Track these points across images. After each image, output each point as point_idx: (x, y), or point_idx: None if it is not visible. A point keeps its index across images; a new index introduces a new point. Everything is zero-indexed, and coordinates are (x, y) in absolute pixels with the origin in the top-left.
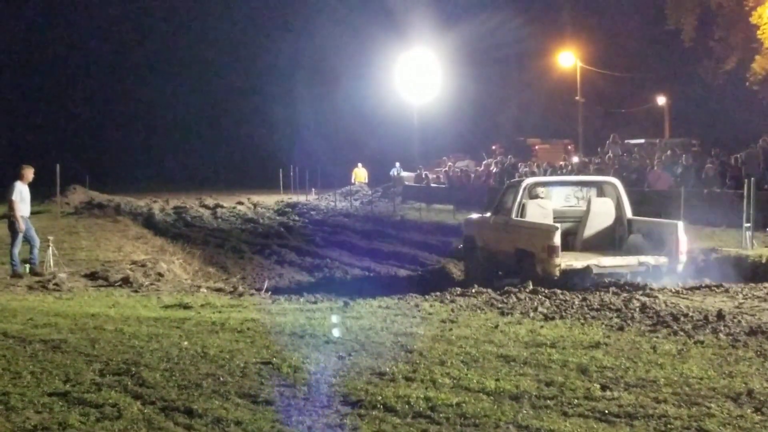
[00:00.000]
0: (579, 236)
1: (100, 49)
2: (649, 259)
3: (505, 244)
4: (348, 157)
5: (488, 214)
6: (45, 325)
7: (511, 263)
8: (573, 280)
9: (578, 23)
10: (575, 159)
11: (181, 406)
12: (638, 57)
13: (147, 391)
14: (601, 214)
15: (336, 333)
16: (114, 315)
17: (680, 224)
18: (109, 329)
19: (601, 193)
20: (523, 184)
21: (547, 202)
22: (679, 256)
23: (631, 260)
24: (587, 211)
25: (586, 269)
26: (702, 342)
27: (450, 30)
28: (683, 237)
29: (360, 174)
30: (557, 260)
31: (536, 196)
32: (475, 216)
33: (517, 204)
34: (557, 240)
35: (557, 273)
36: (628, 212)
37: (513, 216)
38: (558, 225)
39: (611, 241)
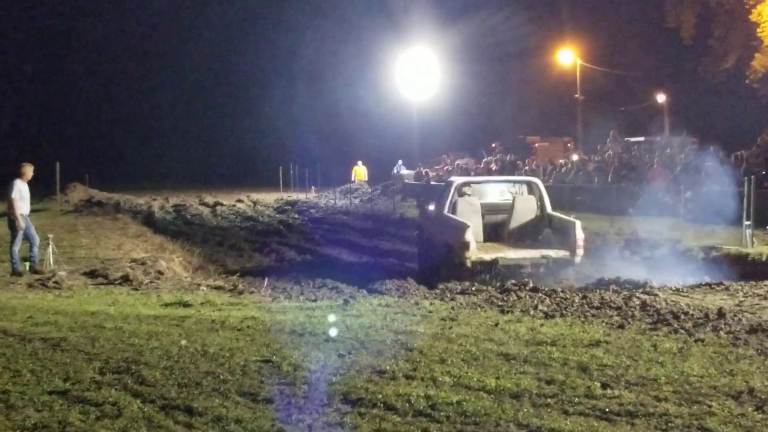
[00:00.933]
0: (506, 228)
1: (99, 47)
2: (551, 253)
3: (438, 236)
4: (347, 155)
5: (431, 208)
6: (45, 323)
7: (443, 254)
8: (482, 270)
9: (578, 21)
10: (575, 157)
11: (181, 404)
12: (638, 55)
13: (147, 390)
14: (525, 210)
15: (333, 332)
16: (114, 313)
17: (578, 223)
18: (109, 327)
19: (525, 191)
20: (454, 184)
21: (475, 199)
22: (576, 250)
23: (534, 253)
24: (512, 207)
25: (494, 261)
26: (703, 340)
27: (450, 28)
28: (580, 234)
29: (360, 172)
30: (468, 253)
31: (464, 194)
32: (427, 208)
33: (448, 201)
34: (469, 236)
35: (469, 264)
36: (548, 208)
37: (444, 211)
38: (469, 223)
39: (533, 233)
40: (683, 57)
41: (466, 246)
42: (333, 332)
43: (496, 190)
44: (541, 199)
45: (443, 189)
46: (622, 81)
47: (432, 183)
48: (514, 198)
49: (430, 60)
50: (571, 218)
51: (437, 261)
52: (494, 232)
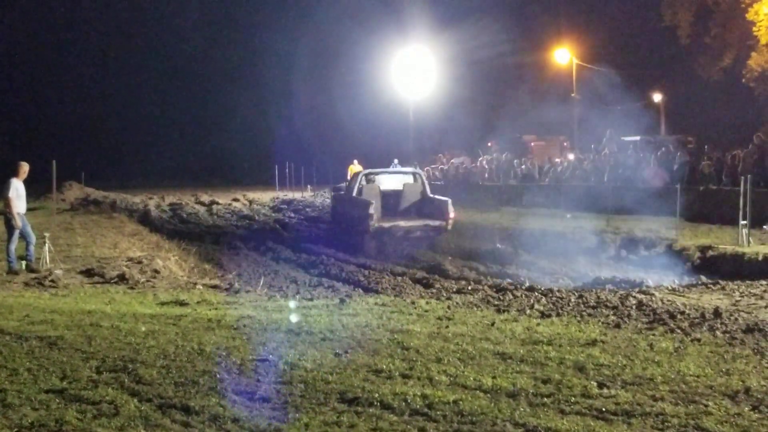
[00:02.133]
0: (402, 206)
1: (95, 46)
2: (431, 222)
3: (349, 211)
4: (343, 154)
5: (342, 192)
6: (41, 321)
7: (350, 223)
8: (383, 234)
9: (574, 20)
10: (570, 156)
11: (178, 403)
12: (634, 54)
13: (144, 388)
14: (412, 193)
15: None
16: (110, 312)
17: (449, 201)
18: (106, 326)
19: (412, 180)
20: (361, 174)
21: (376, 186)
22: (448, 221)
23: (419, 222)
24: (403, 191)
25: (391, 228)
26: (699, 340)
27: (446, 26)
28: (451, 210)
29: (356, 170)
30: (371, 222)
31: (371, 181)
32: (339, 193)
33: (356, 186)
34: (371, 210)
35: (371, 230)
36: (428, 192)
37: (353, 194)
38: (372, 201)
39: (417, 209)
40: (680, 56)
41: (370, 217)
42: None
43: (392, 179)
44: (423, 186)
45: (354, 177)
46: (619, 80)
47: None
48: (404, 185)
49: (426, 58)
50: (444, 198)
51: (348, 229)
52: (391, 209)
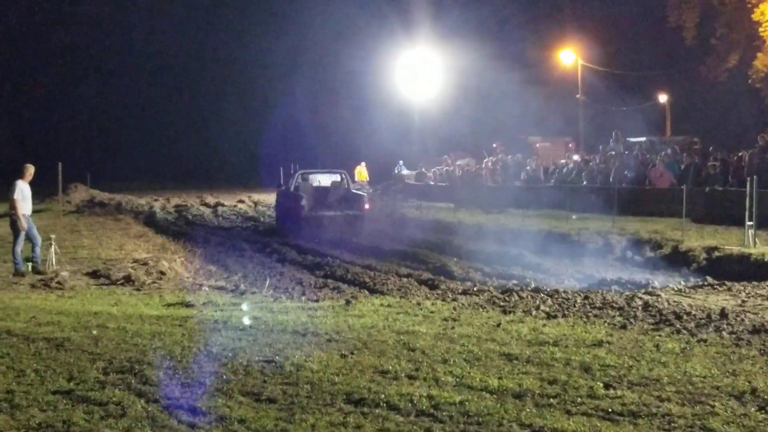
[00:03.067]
0: (329, 199)
1: (101, 48)
2: (350, 212)
3: (287, 204)
4: (348, 156)
5: (283, 188)
6: (48, 323)
7: (288, 213)
8: (312, 221)
9: (579, 21)
10: (575, 157)
11: (185, 404)
12: (639, 55)
13: (150, 389)
14: (338, 188)
15: (246, 321)
16: (116, 313)
17: (365, 195)
18: (112, 327)
19: (339, 178)
20: (297, 173)
21: (309, 183)
22: (364, 212)
23: (341, 213)
24: (330, 187)
25: (318, 216)
26: (705, 340)
27: (451, 27)
28: (365, 203)
29: (363, 173)
30: (303, 212)
31: (305, 180)
32: (281, 189)
33: (294, 183)
34: (304, 202)
35: (303, 217)
36: (351, 188)
37: (291, 189)
38: (304, 195)
39: (341, 202)
40: (685, 57)
41: (302, 208)
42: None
43: (323, 178)
44: (347, 183)
45: (292, 176)
46: (624, 81)
47: (431, 183)
48: (332, 182)
49: (431, 60)
50: (361, 193)
51: (287, 218)
52: (320, 202)
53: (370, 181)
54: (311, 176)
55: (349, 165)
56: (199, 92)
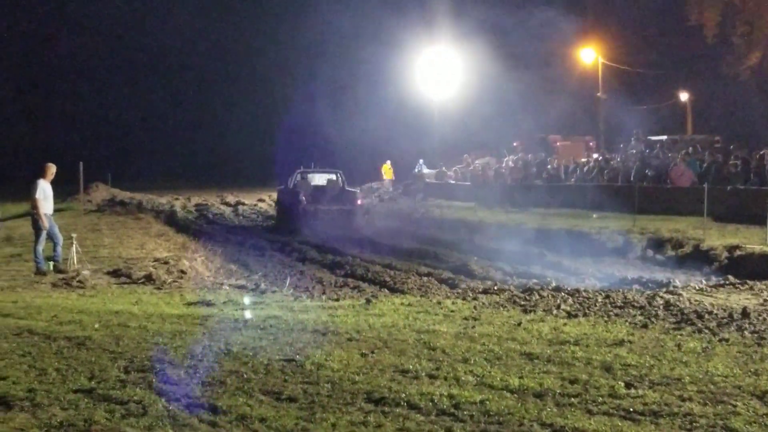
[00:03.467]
0: (325, 196)
1: (121, 49)
2: (344, 207)
3: (287, 200)
4: (367, 154)
5: (283, 186)
6: (69, 322)
7: (289, 207)
8: (310, 214)
9: (600, 19)
10: (596, 155)
11: (206, 402)
12: (660, 53)
13: (171, 388)
14: (334, 186)
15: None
16: (137, 312)
17: (358, 192)
18: (133, 326)
19: (335, 177)
20: (296, 172)
21: (308, 181)
22: (356, 207)
23: (335, 207)
24: (328, 185)
25: (315, 210)
26: (727, 340)
27: (470, 26)
28: (358, 198)
29: (389, 171)
30: (301, 206)
31: (304, 178)
32: (282, 187)
33: (293, 181)
34: (302, 197)
35: (301, 211)
36: (345, 186)
37: (290, 187)
38: (302, 192)
39: (336, 198)
40: (706, 55)
41: (300, 202)
42: (354, 331)
43: (320, 177)
44: (342, 182)
45: (292, 175)
46: (644, 79)
47: (451, 182)
48: (327, 180)
49: (451, 58)
50: (354, 190)
51: (287, 212)
52: (318, 198)
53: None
54: (309, 175)
55: (366, 163)
56: (218, 92)
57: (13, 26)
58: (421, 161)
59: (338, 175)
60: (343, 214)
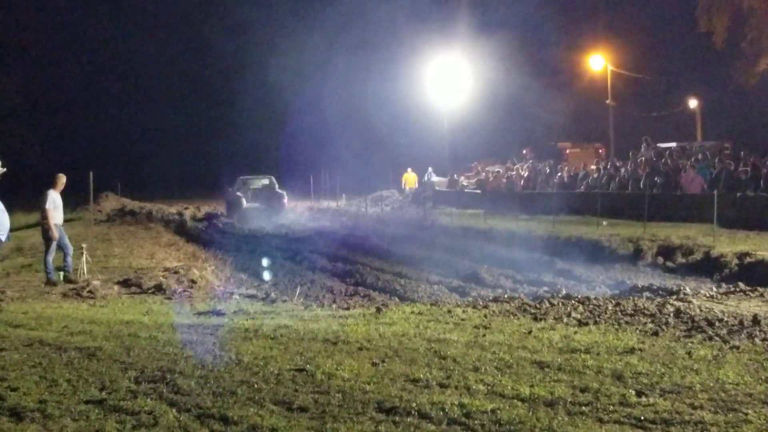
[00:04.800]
0: (261, 196)
1: (129, 59)
2: (274, 205)
3: (232, 200)
4: (378, 163)
5: (230, 189)
6: (80, 332)
7: (232, 206)
8: (248, 211)
9: (609, 27)
10: (605, 163)
11: (217, 413)
12: (669, 60)
13: (182, 399)
14: (268, 189)
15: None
16: (148, 322)
17: (284, 194)
18: (144, 336)
19: (269, 181)
20: (238, 179)
21: (248, 186)
22: (283, 206)
23: (266, 205)
24: (263, 189)
25: (251, 207)
26: (738, 347)
27: (480, 35)
28: (284, 199)
29: (410, 179)
30: (243, 205)
31: (245, 183)
32: (228, 190)
33: (236, 186)
34: (244, 201)
35: (243, 208)
36: (276, 188)
37: (233, 190)
38: (242, 194)
39: (269, 199)
40: (715, 61)
41: (241, 203)
42: (364, 340)
43: (258, 181)
44: (274, 185)
45: (236, 182)
46: (654, 86)
47: (461, 190)
48: (263, 185)
49: (461, 66)
50: (282, 192)
51: (232, 209)
52: (255, 198)
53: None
54: (249, 180)
55: (376, 171)
56: (228, 100)
57: (24, 38)
58: (430, 169)
59: (272, 180)
60: (272, 210)
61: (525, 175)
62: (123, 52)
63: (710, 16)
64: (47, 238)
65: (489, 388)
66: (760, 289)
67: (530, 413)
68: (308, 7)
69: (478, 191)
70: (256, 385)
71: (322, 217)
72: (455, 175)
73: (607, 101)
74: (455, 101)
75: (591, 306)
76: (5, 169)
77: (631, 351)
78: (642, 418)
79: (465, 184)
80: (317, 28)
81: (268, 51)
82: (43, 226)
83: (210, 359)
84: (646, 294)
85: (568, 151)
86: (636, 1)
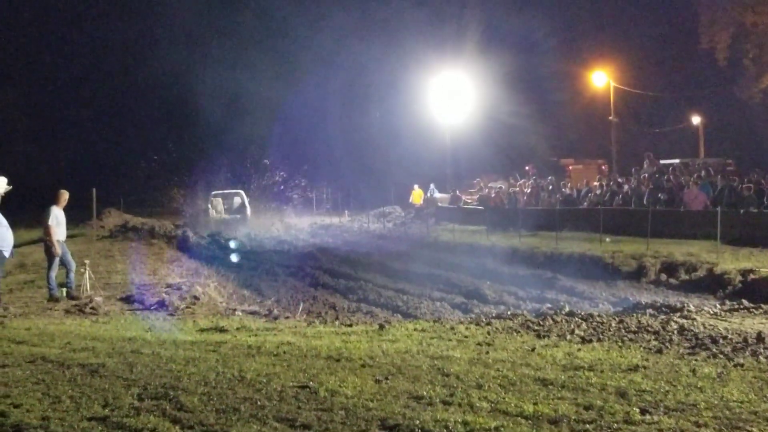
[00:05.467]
0: (230, 208)
1: (133, 75)
2: (237, 216)
3: (211, 212)
4: (380, 179)
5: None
6: (83, 349)
7: (206, 217)
8: (218, 221)
9: (612, 43)
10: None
11: (220, 430)
12: (672, 76)
13: (185, 416)
14: (237, 203)
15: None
16: (150, 339)
17: (248, 208)
18: (146, 353)
19: (240, 197)
20: (212, 193)
21: (220, 199)
22: (246, 216)
23: (234, 216)
24: (234, 202)
25: (221, 218)
26: (742, 365)
27: (482, 50)
28: (248, 211)
29: (417, 195)
30: (213, 215)
31: (216, 197)
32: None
33: (210, 200)
34: (212, 211)
35: (213, 219)
36: (246, 203)
37: (209, 206)
38: (214, 207)
39: (237, 210)
40: (718, 78)
41: (209, 214)
42: (367, 357)
43: (228, 195)
44: (243, 199)
45: (210, 196)
46: (657, 103)
47: (464, 206)
48: (234, 198)
49: (463, 82)
50: (246, 205)
51: (205, 219)
52: (225, 210)
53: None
54: (221, 194)
55: (377, 188)
56: (231, 116)
57: (26, 52)
58: (432, 186)
59: (240, 195)
60: (240, 220)
61: (527, 191)
62: (126, 66)
63: (713, 32)
64: (50, 255)
65: (492, 405)
66: (764, 307)
67: (534, 431)
68: (309, 22)
69: (481, 207)
70: (259, 402)
71: (324, 233)
72: (457, 191)
73: (610, 117)
74: (458, 117)
75: (594, 323)
76: (11, 187)
77: (635, 368)
78: None
79: (466, 199)
80: (319, 44)
81: (268, 65)
82: (46, 242)
83: (213, 376)
84: (650, 311)
85: (570, 168)
86: (639, 17)
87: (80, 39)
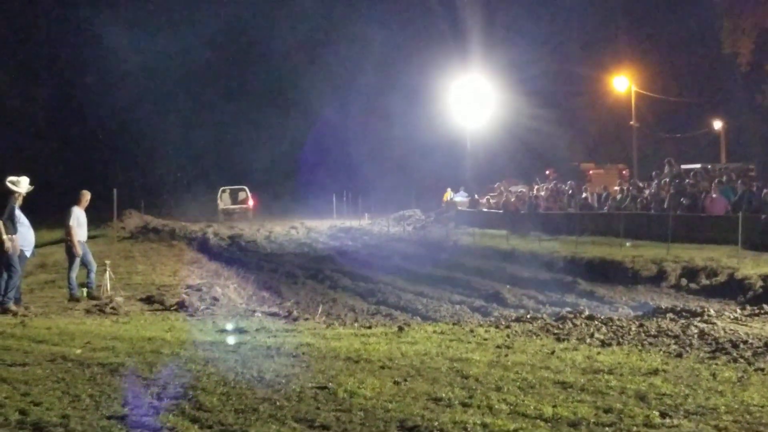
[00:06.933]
0: (236, 201)
1: (155, 75)
2: (244, 207)
3: (221, 206)
4: (401, 183)
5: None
6: (103, 348)
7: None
8: (226, 212)
9: (634, 48)
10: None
11: (239, 429)
12: (694, 81)
13: (204, 415)
14: (241, 195)
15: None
16: (170, 339)
17: (249, 198)
18: (166, 353)
19: (244, 191)
20: (221, 189)
21: (228, 195)
22: (252, 209)
23: (239, 207)
24: (239, 196)
25: (228, 208)
26: (762, 369)
27: (504, 54)
28: (251, 201)
29: (449, 196)
30: (220, 207)
31: (224, 192)
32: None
33: (219, 194)
34: (221, 202)
35: (221, 210)
36: (248, 196)
37: (219, 202)
38: (223, 200)
39: (242, 203)
40: (740, 83)
41: (218, 205)
42: (386, 359)
43: (235, 190)
44: (247, 194)
45: (220, 192)
46: (678, 108)
47: (484, 210)
48: (239, 192)
49: (484, 86)
50: (249, 197)
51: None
52: (232, 202)
53: (421, 208)
54: (229, 189)
55: (399, 191)
56: (249, 120)
57: (48, 55)
58: (461, 188)
59: (245, 190)
60: (243, 212)
61: (548, 195)
62: (147, 67)
63: (735, 37)
64: (71, 255)
65: (511, 407)
66: None
67: None
68: (333, 28)
69: (500, 211)
70: (278, 403)
71: (344, 236)
72: (476, 195)
73: (631, 122)
74: (478, 122)
75: (614, 327)
76: (32, 187)
77: (655, 372)
78: None
79: (484, 203)
80: (341, 50)
81: (293, 72)
82: (67, 242)
83: (232, 376)
84: (670, 315)
85: (591, 172)
86: (660, 22)
87: (103, 40)
